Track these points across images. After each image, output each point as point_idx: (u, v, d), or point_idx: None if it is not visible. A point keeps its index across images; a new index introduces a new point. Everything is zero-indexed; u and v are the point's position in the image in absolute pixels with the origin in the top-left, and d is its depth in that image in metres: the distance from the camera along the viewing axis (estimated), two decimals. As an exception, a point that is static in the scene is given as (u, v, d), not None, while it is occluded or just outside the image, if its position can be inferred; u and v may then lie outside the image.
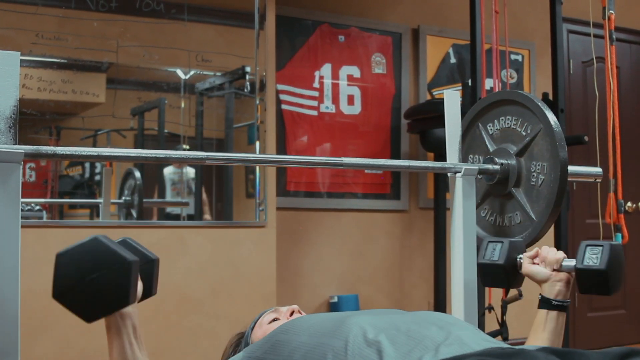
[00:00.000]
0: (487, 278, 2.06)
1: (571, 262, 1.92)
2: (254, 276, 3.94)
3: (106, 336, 1.67)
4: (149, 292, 1.83)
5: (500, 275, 2.01)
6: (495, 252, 2.02)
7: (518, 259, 2.01)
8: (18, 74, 1.60)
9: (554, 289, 1.94)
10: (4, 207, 1.53)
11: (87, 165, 4.18)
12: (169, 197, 4.44)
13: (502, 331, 3.47)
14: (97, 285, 1.55)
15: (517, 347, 1.34)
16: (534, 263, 1.99)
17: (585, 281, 1.88)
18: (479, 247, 2.11)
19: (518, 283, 2.07)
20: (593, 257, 1.86)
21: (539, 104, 2.12)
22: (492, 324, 3.61)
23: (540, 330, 1.94)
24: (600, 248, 1.85)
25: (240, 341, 2.10)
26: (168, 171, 4.43)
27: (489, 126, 2.31)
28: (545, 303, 1.95)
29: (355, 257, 4.92)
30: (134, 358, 1.66)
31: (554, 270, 1.95)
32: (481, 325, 3.62)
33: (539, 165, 2.13)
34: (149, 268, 1.78)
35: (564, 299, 1.94)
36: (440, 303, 4.64)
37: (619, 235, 3.53)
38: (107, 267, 1.56)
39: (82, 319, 1.58)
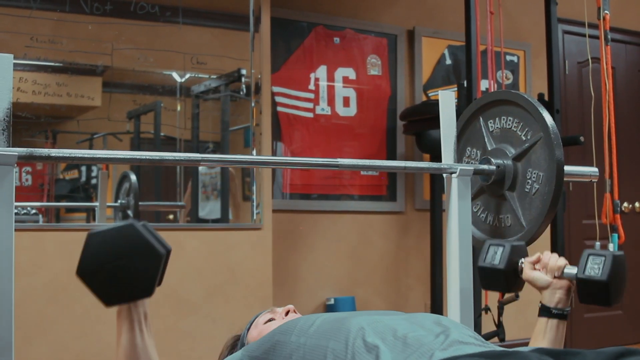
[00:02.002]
0: (486, 281, 2.05)
1: (572, 270, 1.90)
2: (250, 279, 3.94)
3: (116, 321, 1.65)
4: (158, 282, 1.83)
5: (500, 280, 2.00)
6: (496, 256, 2.00)
7: (519, 264, 1.99)
8: (11, 76, 1.59)
9: (554, 297, 1.93)
10: (-2, 209, 1.52)
11: (83, 169, 4.17)
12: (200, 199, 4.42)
13: (498, 332, 3.47)
14: (125, 272, 1.54)
15: (510, 350, 1.34)
16: (534, 268, 1.98)
17: (585, 291, 1.86)
18: (475, 247, 2.10)
19: (518, 287, 2.06)
20: (595, 267, 1.83)
21: (542, 112, 2.11)
22: (488, 325, 3.61)
23: (540, 339, 1.93)
24: (603, 258, 1.83)
25: (236, 343, 2.10)
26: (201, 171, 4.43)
27: (490, 122, 2.31)
28: (545, 311, 1.94)
29: (352, 259, 4.91)
30: (143, 345, 1.64)
31: (554, 277, 1.94)
32: (478, 327, 3.62)
33: (534, 173, 2.12)
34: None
35: (565, 307, 1.93)
36: (436, 304, 4.64)
37: (615, 235, 3.53)
38: (139, 255, 1.55)
39: (102, 302, 1.56)
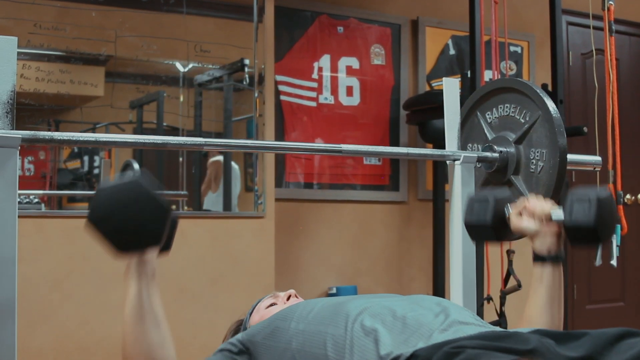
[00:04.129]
0: (475, 236, 2.00)
1: (560, 214, 1.84)
2: (252, 267, 3.94)
3: (124, 278, 1.66)
4: (167, 245, 1.83)
5: (489, 233, 1.93)
6: (482, 212, 1.92)
7: (506, 213, 1.92)
8: (15, 59, 1.59)
9: (545, 243, 1.86)
10: (1, 192, 1.52)
11: (85, 158, 4.17)
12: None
13: (500, 322, 3.47)
14: (134, 219, 1.57)
15: (510, 330, 1.35)
16: (521, 216, 1.90)
17: (574, 236, 1.81)
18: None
19: (509, 236, 1.99)
20: (581, 211, 1.77)
21: (538, 90, 2.11)
22: (490, 314, 3.61)
23: (538, 285, 1.88)
24: (587, 203, 1.76)
25: (239, 328, 2.11)
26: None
27: (488, 114, 2.31)
28: (538, 259, 1.89)
29: (354, 248, 4.91)
30: (150, 302, 1.65)
31: (541, 223, 1.87)
32: (480, 316, 3.61)
33: (538, 152, 2.12)
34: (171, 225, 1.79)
35: (557, 252, 1.87)
36: (439, 294, 4.64)
37: (618, 226, 3.52)
38: (147, 205, 1.58)
39: (113, 250, 1.58)
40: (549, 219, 1.86)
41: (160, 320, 1.68)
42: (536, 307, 1.87)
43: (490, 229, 1.91)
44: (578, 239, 1.81)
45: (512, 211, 1.92)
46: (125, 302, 1.64)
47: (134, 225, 1.57)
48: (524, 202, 1.90)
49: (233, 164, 4.37)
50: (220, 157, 4.39)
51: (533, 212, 1.87)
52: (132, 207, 1.56)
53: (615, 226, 1.85)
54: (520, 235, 1.95)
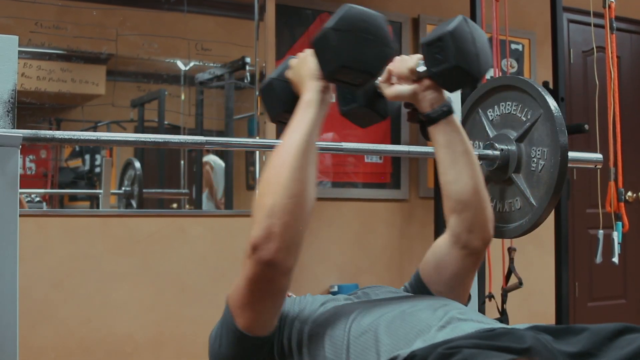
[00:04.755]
0: (360, 123, 1.94)
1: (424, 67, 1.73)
2: (254, 266, 3.93)
3: (301, 103, 1.58)
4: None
5: (370, 115, 1.88)
6: (351, 95, 1.86)
7: (376, 88, 1.82)
8: (16, 58, 1.59)
9: (426, 100, 1.75)
10: (2, 191, 1.52)
11: (87, 157, 4.17)
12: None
13: (502, 320, 3.47)
14: (368, 44, 1.55)
15: (508, 327, 1.34)
16: (392, 83, 1.78)
17: (446, 83, 1.72)
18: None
19: (391, 107, 1.90)
20: (437, 56, 1.66)
21: (539, 88, 2.11)
22: (492, 312, 3.61)
23: (437, 149, 1.78)
24: (441, 43, 1.65)
25: None
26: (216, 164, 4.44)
27: (489, 112, 2.31)
28: (428, 120, 1.76)
29: (355, 246, 4.91)
30: (318, 135, 1.56)
31: (414, 82, 1.74)
32: (481, 314, 3.62)
33: (539, 150, 2.11)
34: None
35: (442, 105, 1.74)
36: (440, 293, 4.64)
37: (620, 224, 3.53)
38: (382, 40, 1.57)
39: (337, 62, 1.55)
40: (416, 75, 1.74)
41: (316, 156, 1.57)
42: (442, 173, 1.78)
43: (368, 109, 1.85)
44: (448, 82, 1.72)
45: (379, 83, 1.81)
46: (294, 129, 1.54)
47: (367, 49, 1.55)
48: (387, 69, 1.78)
49: (218, 160, 4.38)
50: (207, 157, 4.41)
51: (399, 74, 1.76)
52: (369, 35, 1.55)
53: (486, 54, 1.69)
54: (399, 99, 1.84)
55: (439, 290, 1.75)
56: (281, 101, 1.71)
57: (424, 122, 1.79)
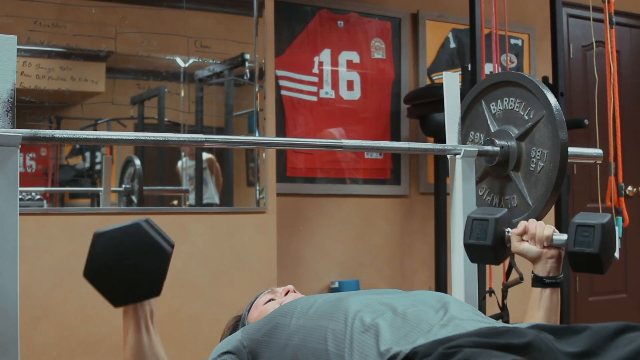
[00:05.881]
0: (474, 257, 2.00)
1: (562, 237, 1.86)
2: (254, 262, 3.94)
3: (122, 320, 1.66)
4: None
5: (489, 254, 1.94)
6: (482, 232, 1.93)
7: (506, 233, 1.93)
8: (15, 57, 1.59)
9: (546, 267, 1.89)
10: (2, 191, 1.53)
11: (87, 154, 4.17)
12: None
13: (502, 315, 3.47)
14: (132, 272, 1.53)
15: (510, 325, 1.34)
16: (522, 240, 1.92)
17: (577, 262, 1.81)
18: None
19: (507, 257, 2.00)
20: (584, 239, 1.78)
21: (544, 89, 2.11)
22: (492, 307, 3.61)
23: (536, 309, 1.91)
24: (592, 229, 1.77)
25: (237, 323, 2.11)
26: (182, 167, 4.43)
27: (492, 105, 2.31)
28: (538, 281, 1.90)
29: (356, 242, 4.92)
30: (150, 344, 1.66)
31: (544, 247, 1.89)
32: (482, 309, 3.62)
33: (539, 151, 2.12)
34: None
35: (557, 275, 1.90)
36: (441, 288, 4.64)
37: (620, 218, 3.53)
38: (147, 254, 1.54)
39: (111, 303, 1.56)
40: (549, 243, 1.88)
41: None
42: (532, 318, 1.90)
43: (490, 250, 1.92)
44: (580, 265, 1.82)
45: (512, 233, 1.93)
46: (124, 343, 1.65)
47: (133, 279, 1.53)
48: (524, 225, 1.91)
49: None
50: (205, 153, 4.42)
51: (534, 236, 1.89)
52: (131, 257, 1.52)
53: (614, 252, 1.86)
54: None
55: None
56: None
57: (532, 279, 1.93)
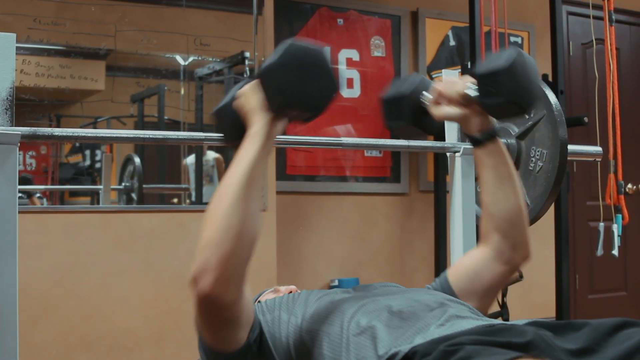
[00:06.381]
0: (404, 136, 1.96)
1: (474, 91, 1.72)
2: (254, 260, 3.90)
3: (249, 134, 1.56)
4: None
5: (415, 131, 1.86)
6: (399, 112, 1.83)
7: (420, 97, 1.81)
8: (14, 55, 1.59)
9: (474, 124, 1.76)
10: (2, 188, 1.53)
11: (87, 152, 4.17)
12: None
13: (502, 312, 3.48)
14: (311, 82, 1.53)
15: (508, 323, 1.34)
16: (439, 104, 1.78)
17: (496, 114, 1.73)
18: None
19: (430, 126, 1.87)
20: (493, 89, 1.64)
21: (546, 90, 2.11)
22: (492, 305, 3.62)
23: (482, 169, 1.79)
24: (496, 76, 1.63)
25: None
26: (190, 161, 4.42)
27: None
28: (474, 142, 1.78)
29: (356, 240, 4.92)
30: (263, 167, 1.56)
31: (462, 105, 1.75)
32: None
33: (538, 151, 2.11)
34: None
35: (489, 129, 1.76)
36: (441, 286, 4.64)
37: (619, 216, 3.53)
38: (325, 77, 1.56)
39: (270, 102, 1.54)
40: (466, 99, 1.74)
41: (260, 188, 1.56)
42: (488, 193, 1.79)
43: (413, 127, 1.85)
44: (500, 114, 1.74)
45: (428, 101, 1.81)
46: (237, 162, 1.53)
47: (309, 88, 1.53)
48: (437, 89, 1.78)
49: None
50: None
51: (449, 98, 1.76)
52: (315, 71, 1.54)
53: (538, 88, 1.69)
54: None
55: (468, 298, 1.76)
56: (234, 127, 1.69)
57: (469, 140, 1.81)
